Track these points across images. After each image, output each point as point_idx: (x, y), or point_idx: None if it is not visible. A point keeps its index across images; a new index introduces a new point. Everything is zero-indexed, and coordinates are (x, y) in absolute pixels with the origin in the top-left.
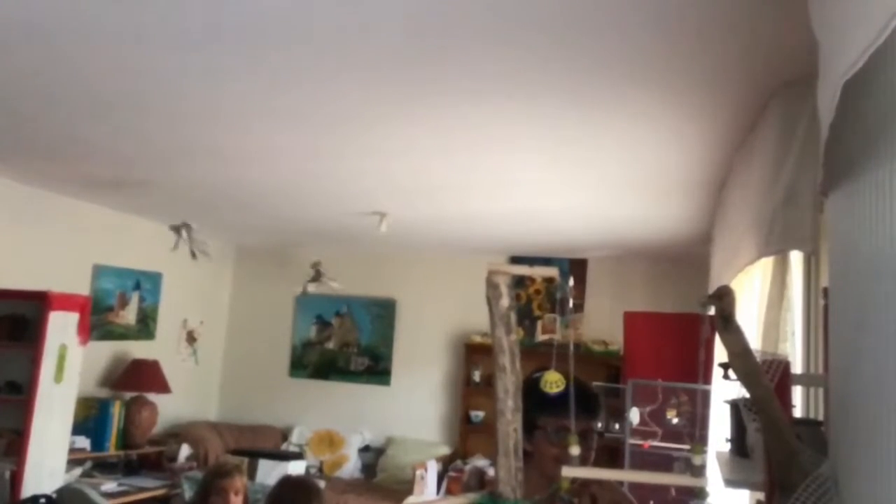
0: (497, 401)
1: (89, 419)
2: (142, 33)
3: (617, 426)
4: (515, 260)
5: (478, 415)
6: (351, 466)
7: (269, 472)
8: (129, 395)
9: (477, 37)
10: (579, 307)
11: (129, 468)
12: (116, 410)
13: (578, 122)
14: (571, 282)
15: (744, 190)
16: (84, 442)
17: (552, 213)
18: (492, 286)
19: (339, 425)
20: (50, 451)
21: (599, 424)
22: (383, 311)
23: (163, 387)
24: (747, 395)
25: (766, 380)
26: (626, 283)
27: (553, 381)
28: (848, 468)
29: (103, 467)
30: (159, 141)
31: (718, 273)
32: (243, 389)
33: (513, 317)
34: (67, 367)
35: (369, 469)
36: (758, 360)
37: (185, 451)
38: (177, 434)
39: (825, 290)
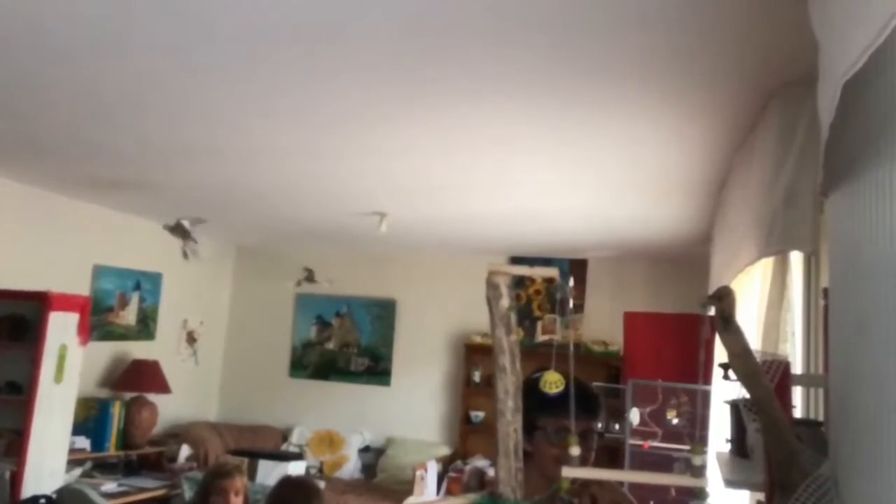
0: (497, 401)
1: (89, 419)
2: (142, 33)
3: (617, 426)
4: (515, 260)
5: (478, 415)
6: (351, 467)
7: (269, 473)
8: (129, 395)
9: (477, 37)
10: (579, 307)
11: (129, 468)
12: (116, 411)
13: (578, 122)
14: (571, 282)
15: (744, 190)
16: (84, 442)
17: (552, 213)
18: (492, 286)
19: (340, 426)
20: (50, 452)
21: (599, 425)
22: (383, 312)
23: (163, 387)
24: (747, 396)
25: (766, 380)
26: (626, 283)
27: (552, 382)
28: (848, 468)
29: (103, 468)
30: (159, 141)
31: (718, 273)
32: (243, 390)
33: (513, 317)
34: (67, 368)
35: (369, 469)
36: (758, 360)
37: (185, 451)
38: (177, 434)
39: (825, 291)
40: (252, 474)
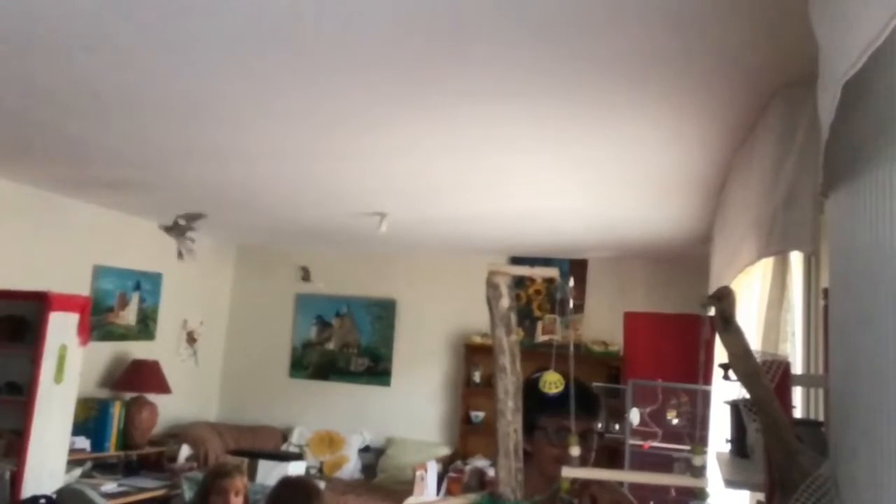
0: (497, 401)
1: (89, 420)
2: (142, 34)
3: (617, 427)
4: (516, 260)
5: (478, 415)
6: (351, 467)
7: (269, 473)
8: (129, 395)
9: (477, 37)
10: (579, 308)
11: (129, 469)
12: (116, 411)
13: (578, 123)
14: (571, 282)
15: (744, 190)
16: (84, 442)
17: (552, 213)
18: (492, 287)
19: (340, 426)
20: (50, 452)
21: (600, 425)
22: (383, 312)
23: (163, 387)
24: (747, 396)
25: (766, 380)
26: (626, 283)
27: (552, 382)
28: (848, 468)
29: (103, 468)
30: (159, 141)
31: (718, 274)
32: (243, 390)
33: (513, 317)
34: (67, 368)
35: (369, 469)
36: (758, 360)
37: (185, 451)
38: (177, 434)
39: (825, 291)
40: (252, 474)
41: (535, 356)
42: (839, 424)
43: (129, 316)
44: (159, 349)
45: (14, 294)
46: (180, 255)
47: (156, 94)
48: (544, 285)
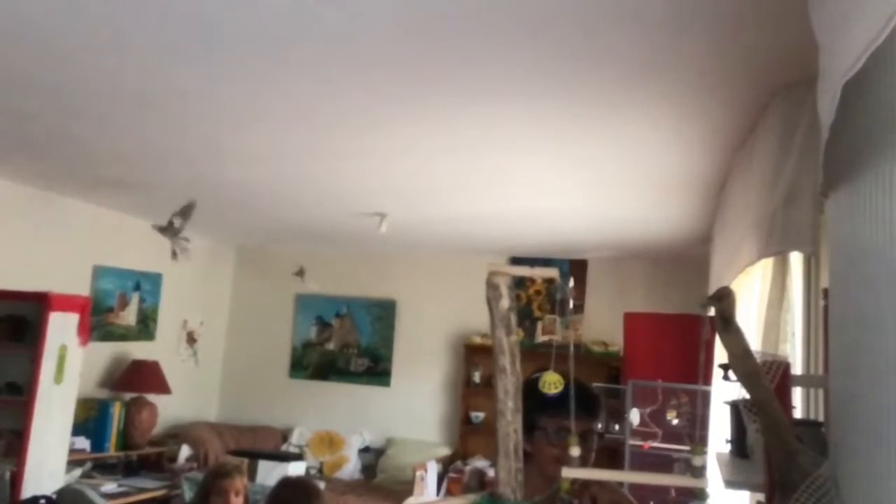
0: (497, 401)
1: (89, 420)
2: (142, 34)
3: (617, 427)
4: (516, 261)
5: (478, 416)
6: (351, 467)
7: (269, 473)
8: (129, 395)
9: (478, 38)
10: (579, 308)
11: (129, 469)
12: (116, 411)
13: (579, 123)
14: (571, 283)
15: (744, 191)
16: (84, 443)
17: (552, 213)
18: (492, 287)
19: (339, 426)
20: (50, 452)
21: (600, 425)
22: (383, 312)
23: (163, 387)
24: (747, 396)
25: (766, 381)
26: (627, 283)
27: (551, 382)
28: (848, 468)
29: (103, 468)
30: (159, 141)
31: (718, 274)
32: (243, 390)
33: (513, 318)
34: (67, 368)
35: (369, 470)
36: (758, 360)
37: (185, 451)
38: (177, 435)
39: (825, 291)
40: (252, 475)
41: (535, 356)
42: (839, 424)
43: (129, 316)
44: (159, 349)
45: (14, 294)
46: (174, 255)
47: (156, 95)
48: (544, 286)
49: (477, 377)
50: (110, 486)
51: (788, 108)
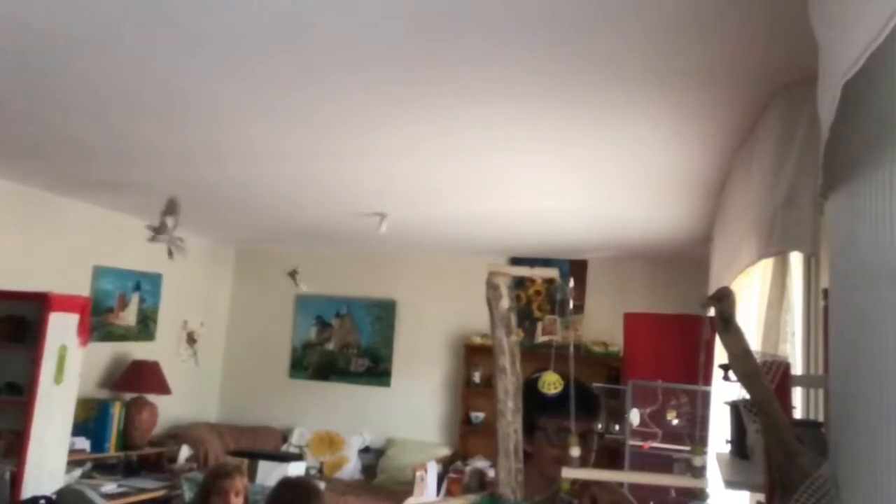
0: (497, 402)
1: (89, 420)
2: (142, 35)
3: (617, 427)
4: (516, 261)
5: (478, 416)
6: (351, 467)
7: (269, 474)
8: (129, 396)
9: (478, 38)
10: (579, 308)
11: (129, 469)
12: (116, 411)
13: (578, 123)
14: (571, 283)
15: (744, 191)
16: (84, 443)
17: (552, 213)
18: (492, 287)
19: (339, 426)
20: (50, 453)
21: (600, 426)
22: (383, 313)
23: (163, 388)
24: (747, 397)
25: (766, 381)
26: (626, 284)
27: (551, 382)
28: (848, 469)
29: (103, 468)
30: (159, 141)
31: (718, 274)
32: (243, 390)
33: (513, 318)
34: (67, 368)
35: (369, 470)
36: (758, 361)
37: (185, 452)
38: (177, 435)
39: (825, 292)
40: (252, 475)
41: (535, 357)
42: (839, 425)
43: (128, 316)
44: (159, 350)
45: (14, 294)
46: (170, 253)
47: (156, 94)
48: (544, 286)
49: (477, 377)
50: (110, 487)
51: (788, 109)
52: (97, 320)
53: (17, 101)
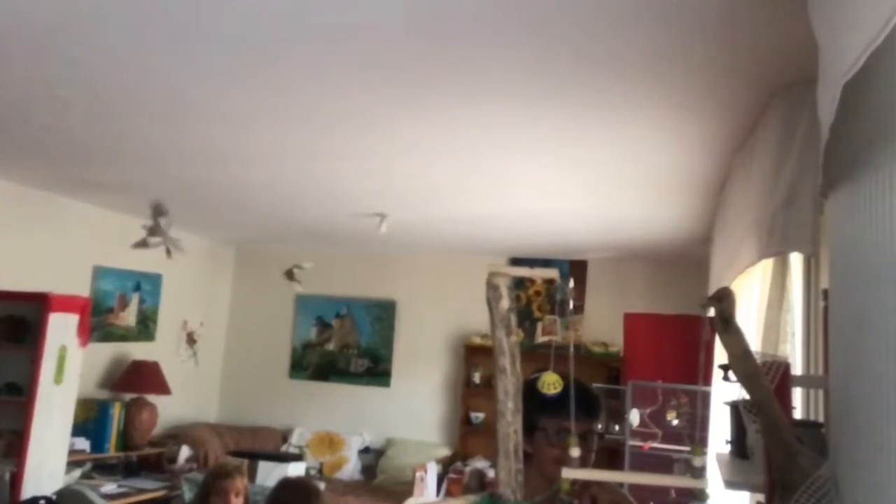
0: (497, 402)
1: (89, 420)
2: (142, 35)
3: (617, 428)
4: (516, 261)
5: (478, 416)
6: (351, 468)
7: (269, 474)
8: (128, 396)
9: (478, 38)
10: (579, 309)
11: (128, 469)
12: (116, 412)
13: (578, 123)
14: (571, 283)
15: (744, 191)
16: (84, 443)
17: (552, 214)
18: (492, 288)
19: (339, 427)
20: (50, 453)
21: (600, 426)
22: (383, 313)
23: (163, 388)
24: (747, 397)
25: (766, 381)
26: (626, 284)
27: (550, 383)
28: (848, 469)
29: (103, 469)
30: (159, 141)
31: (718, 274)
32: (243, 391)
33: (513, 318)
34: (67, 369)
35: (369, 470)
36: (758, 361)
37: (184, 452)
38: (177, 435)
39: (825, 292)
40: (252, 475)
41: (535, 357)
42: (839, 425)
43: (128, 317)
44: (159, 350)
45: (14, 295)
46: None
47: (156, 94)
48: (544, 286)
49: (477, 378)
50: (110, 487)
51: (788, 109)
52: (97, 320)
53: (16, 101)
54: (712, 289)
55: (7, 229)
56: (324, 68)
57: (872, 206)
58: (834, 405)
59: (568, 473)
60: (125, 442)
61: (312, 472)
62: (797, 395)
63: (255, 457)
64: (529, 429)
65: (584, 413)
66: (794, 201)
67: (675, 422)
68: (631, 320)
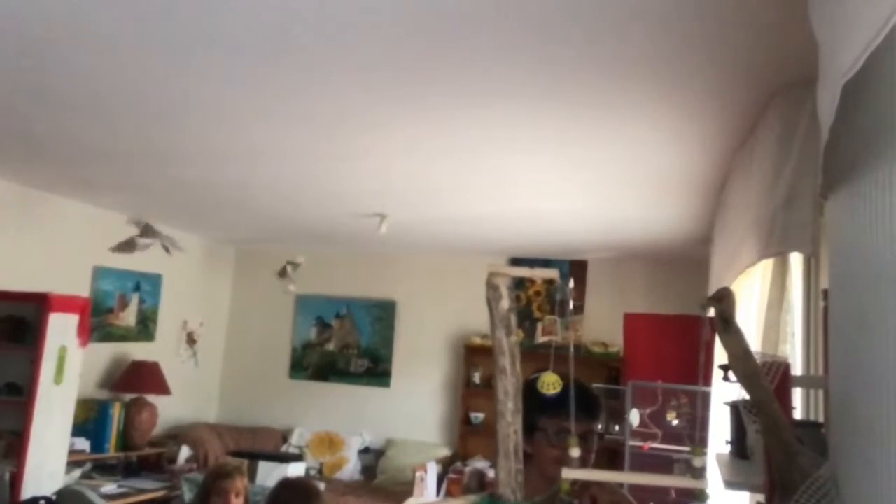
0: (497, 402)
1: (89, 421)
2: (142, 35)
3: (617, 428)
4: (516, 261)
5: (478, 416)
6: (351, 468)
7: (269, 474)
8: (128, 396)
9: (478, 38)
10: (579, 309)
11: (128, 470)
12: (116, 412)
13: (578, 123)
14: (571, 283)
15: (744, 191)
16: (84, 443)
17: (552, 214)
18: (492, 288)
19: (339, 427)
20: (50, 453)
21: (600, 426)
22: (383, 313)
23: (162, 388)
24: (747, 397)
25: (766, 381)
26: (626, 284)
27: (550, 383)
28: (848, 469)
29: (103, 469)
30: (159, 141)
31: (718, 275)
32: (243, 391)
33: (513, 318)
34: (67, 369)
35: (369, 471)
36: (758, 361)
37: (184, 452)
38: (176, 436)
39: (825, 292)
40: (252, 476)
41: (535, 357)
42: (839, 425)
43: (128, 317)
44: (159, 350)
45: (14, 295)
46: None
47: (156, 95)
48: (544, 286)
49: (477, 378)
50: (110, 487)
51: (788, 109)
52: (97, 321)
53: (16, 101)
54: (712, 289)
55: (7, 229)
56: (324, 68)
57: (872, 207)
58: (834, 405)
59: (568, 474)
60: (125, 442)
61: (312, 473)
62: (797, 395)
63: (254, 457)
64: (529, 429)
65: (584, 413)
66: (794, 201)
67: (675, 422)
68: (631, 320)
